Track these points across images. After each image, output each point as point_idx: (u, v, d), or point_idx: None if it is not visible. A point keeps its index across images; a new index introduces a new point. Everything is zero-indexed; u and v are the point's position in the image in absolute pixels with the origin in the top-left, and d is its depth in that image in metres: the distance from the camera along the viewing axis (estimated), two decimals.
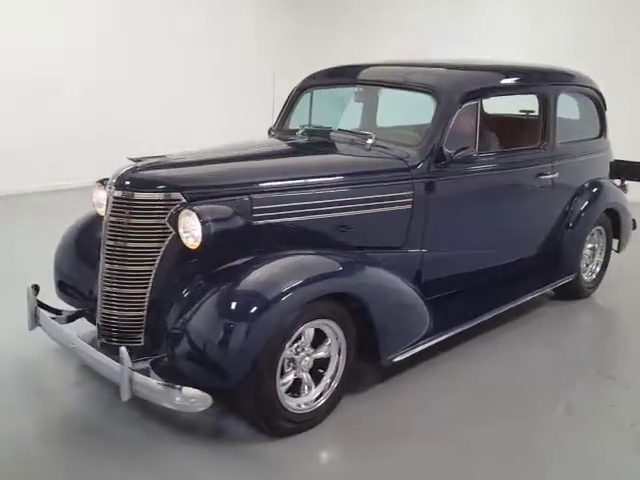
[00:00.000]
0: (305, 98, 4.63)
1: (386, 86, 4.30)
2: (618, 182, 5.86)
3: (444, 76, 4.08)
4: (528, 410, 3.58)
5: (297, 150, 4.02)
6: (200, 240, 3.00)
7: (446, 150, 3.82)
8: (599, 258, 5.34)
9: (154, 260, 3.10)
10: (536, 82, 4.58)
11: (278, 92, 4.80)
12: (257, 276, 3.00)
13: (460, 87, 3.95)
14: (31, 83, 7.75)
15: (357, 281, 3.29)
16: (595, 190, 5.06)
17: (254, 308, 2.88)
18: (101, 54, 8.30)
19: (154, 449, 3.05)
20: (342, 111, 4.40)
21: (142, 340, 3.15)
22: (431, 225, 3.89)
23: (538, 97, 4.51)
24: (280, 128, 4.62)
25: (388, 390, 3.67)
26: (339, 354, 3.30)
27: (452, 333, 3.88)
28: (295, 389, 3.21)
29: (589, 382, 3.92)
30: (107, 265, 3.13)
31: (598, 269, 5.34)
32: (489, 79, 4.25)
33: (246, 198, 3.25)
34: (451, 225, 4.01)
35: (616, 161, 5.76)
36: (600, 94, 5.14)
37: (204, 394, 2.81)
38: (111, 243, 3.13)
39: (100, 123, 8.30)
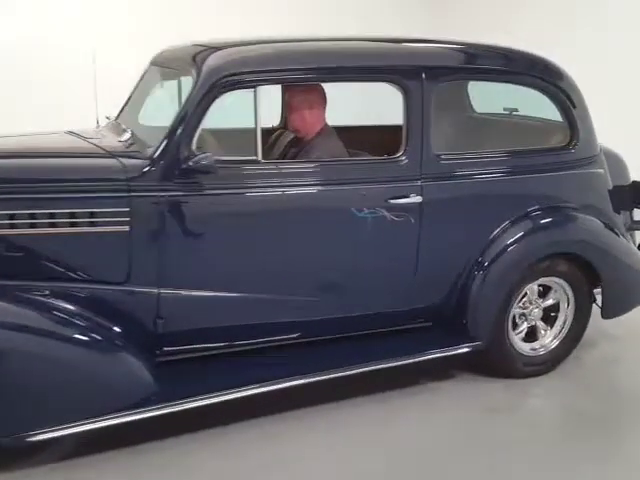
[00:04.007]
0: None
1: (164, 67, 3.37)
2: None
3: (213, 54, 3.00)
4: None
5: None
6: None
7: (197, 156, 2.84)
8: (560, 326, 3.69)
9: None
10: (388, 64, 3.20)
11: None
12: None
13: (220, 68, 2.90)
14: None
15: None
16: (541, 222, 3.49)
17: None
18: None
19: None
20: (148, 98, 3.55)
21: None
22: (172, 256, 2.92)
23: (398, 87, 3.15)
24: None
25: None
26: None
27: (188, 406, 2.87)
28: None
29: None
30: None
31: (556, 342, 3.68)
32: (285, 58, 3.07)
33: None
34: (210, 258, 2.99)
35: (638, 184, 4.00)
36: (559, 87, 3.52)
37: None
38: None
39: None
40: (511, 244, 3.41)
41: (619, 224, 3.83)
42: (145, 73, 3.63)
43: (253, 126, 2.97)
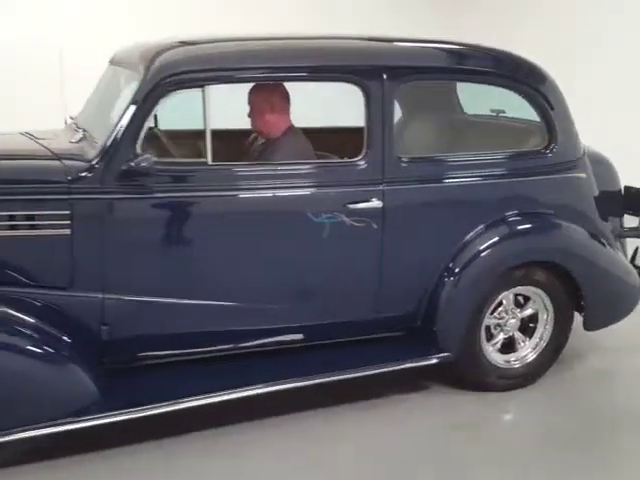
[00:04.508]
0: None
1: (120, 66, 3.27)
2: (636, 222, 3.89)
3: (163, 52, 2.88)
4: None
5: None
6: None
7: (138, 158, 2.75)
8: (539, 337, 3.50)
9: None
10: (347, 64, 3.04)
11: None
12: None
13: (165, 67, 2.80)
14: None
15: None
16: (516, 228, 3.33)
17: None
18: None
19: None
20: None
21: None
22: (114, 260, 2.83)
23: (358, 87, 3.01)
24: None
25: None
26: None
27: (135, 415, 2.77)
28: None
29: None
30: None
31: (534, 354, 3.49)
32: (235, 57, 2.94)
33: None
34: (153, 262, 2.89)
35: (629, 189, 3.80)
36: (536, 88, 3.34)
37: None
38: None
39: None
40: (483, 250, 3.25)
41: (605, 232, 3.62)
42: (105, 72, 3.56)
43: (226, 128, 2.88)
